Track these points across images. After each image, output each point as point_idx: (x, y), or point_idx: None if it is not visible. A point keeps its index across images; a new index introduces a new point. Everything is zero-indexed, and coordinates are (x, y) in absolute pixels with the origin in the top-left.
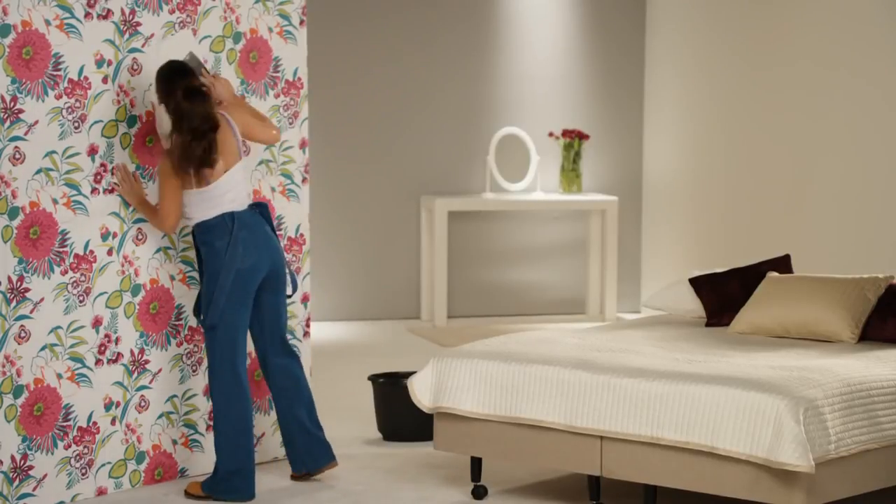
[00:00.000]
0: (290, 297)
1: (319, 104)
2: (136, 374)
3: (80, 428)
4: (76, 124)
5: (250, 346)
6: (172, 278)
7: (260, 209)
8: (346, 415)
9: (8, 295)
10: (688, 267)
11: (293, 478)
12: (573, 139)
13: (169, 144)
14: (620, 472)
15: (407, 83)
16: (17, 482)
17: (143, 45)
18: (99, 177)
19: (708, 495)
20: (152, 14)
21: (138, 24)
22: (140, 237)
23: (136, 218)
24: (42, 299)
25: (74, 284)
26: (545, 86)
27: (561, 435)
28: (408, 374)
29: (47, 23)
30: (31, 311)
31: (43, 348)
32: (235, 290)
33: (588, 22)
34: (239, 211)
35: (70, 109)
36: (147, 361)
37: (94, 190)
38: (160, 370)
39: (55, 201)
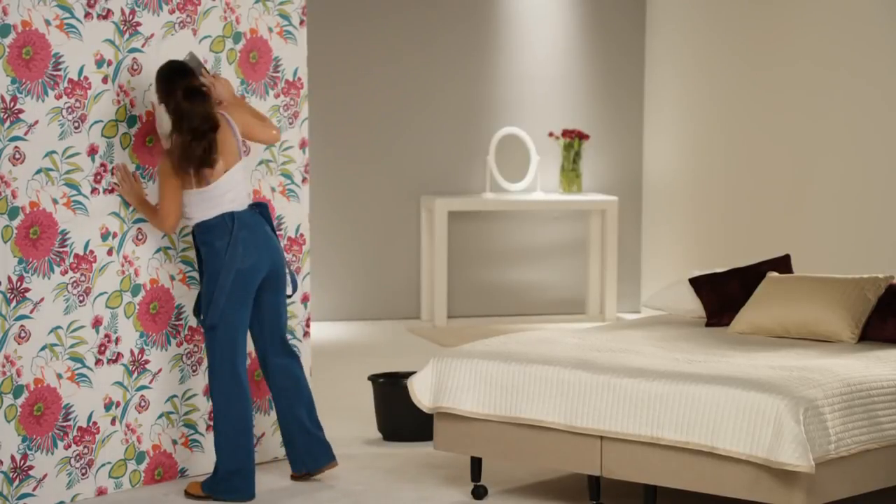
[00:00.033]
0: (290, 296)
1: (319, 104)
2: (136, 374)
3: (80, 428)
4: (76, 124)
5: (250, 346)
6: (172, 278)
7: (260, 209)
8: (346, 415)
9: (8, 295)
10: (688, 267)
11: (293, 478)
12: (573, 139)
13: (169, 144)
14: (620, 472)
15: (407, 83)
16: (17, 482)
17: (143, 45)
18: (99, 177)
19: (708, 495)
20: (152, 14)
21: (138, 24)
22: (140, 237)
23: (136, 218)
24: (42, 299)
25: (74, 284)
26: (545, 86)
27: (561, 435)
28: (408, 374)
29: (47, 23)
30: (31, 311)
31: (43, 348)
32: (235, 290)
33: (588, 22)
34: (239, 211)
35: (70, 109)
36: (147, 361)
37: (94, 190)
38: (160, 370)
39: (55, 201)
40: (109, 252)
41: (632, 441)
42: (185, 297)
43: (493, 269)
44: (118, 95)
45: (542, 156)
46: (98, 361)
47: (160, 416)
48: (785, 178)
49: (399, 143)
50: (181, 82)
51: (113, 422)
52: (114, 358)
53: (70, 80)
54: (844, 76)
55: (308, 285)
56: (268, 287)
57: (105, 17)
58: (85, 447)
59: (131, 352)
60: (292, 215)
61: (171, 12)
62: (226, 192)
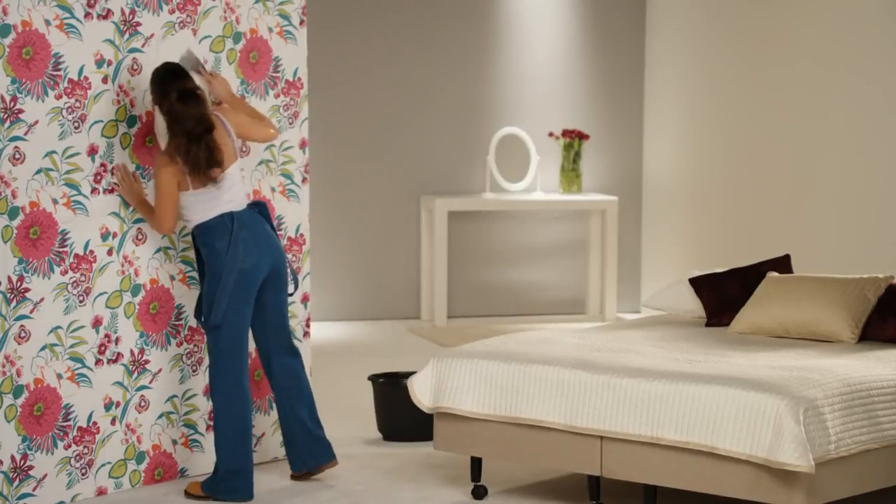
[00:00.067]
0: (290, 295)
1: (319, 104)
2: (136, 374)
3: (80, 428)
4: (76, 124)
5: (250, 347)
6: (172, 278)
7: (259, 208)
8: (346, 415)
9: (8, 295)
10: (688, 267)
11: (293, 477)
12: (573, 139)
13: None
14: (620, 472)
15: (407, 83)
16: (17, 482)
17: (143, 45)
18: (99, 177)
19: (708, 495)
20: (152, 14)
21: (138, 24)
22: (140, 237)
23: (135, 218)
24: (42, 299)
25: (74, 284)
26: (545, 86)
27: (561, 435)
28: (408, 374)
29: (47, 23)
30: (31, 311)
31: (43, 348)
32: (238, 290)
33: (588, 22)
34: (238, 211)
35: (70, 109)
36: (147, 361)
37: (94, 190)
38: (160, 370)
39: (55, 201)
40: (109, 252)
41: (632, 441)
42: (185, 297)
43: (493, 269)
44: (118, 95)
45: (542, 156)
46: (98, 361)
47: (160, 416)
48: (785, 178)
49: (399, 143)
50: (176, 84)
51: (113, 422)
52: (114, 358)
53: (70, 80)
54: (844, 76)
55: (308, 285)
56: (270, 286)
57: (105, 17)
58: (85, 447)
59: (131, 352)
60: (292, 215)
61: (171, 12)
62: (223, 193)
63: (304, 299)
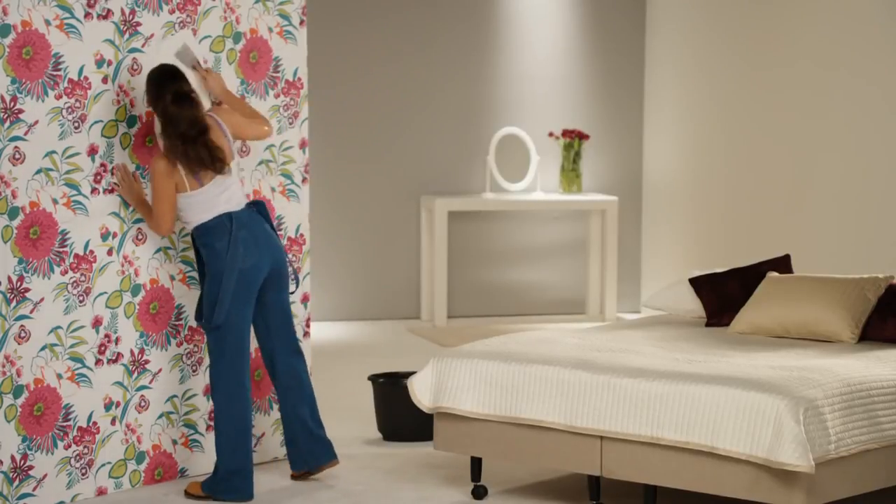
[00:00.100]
0: (291, 293)
1: (319, 104)
2: (136, 374)
3: (80, 428)
4: (76, 124)
5: (250, 346)
6: (172, 278)
7: (258, 207)
8: (346, 415)
9: (8, 295)
10: (688, 267)
11: (293, 477)
12: (573, 139)
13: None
14: (620, 472)
15: (407, 83)
16: (17, 482)
17: (143, 45)
18: (99, 177)
19: (708, 495)
20: (152, 14)
21: (138, 24)
22: (140, 237)
23: (135, 218)
24: (42, 299)
25: (74, 284)
26: (545, 86)
27: (561, 435)
28: (408, 374)
29: (47, 23)
30: (31, 311)
31: (43, 348)
32: (239, 290)
33: (588, 22)
34: (236, 211)
35: (70, 109)
36: (147, 361)
37: (94, 190)
38: (160, 370)
39: (55, 201)
40: (109, 252)
41: (632, 441)
42: (185, 297)
43: (493, 269)
44: (118, 95)
45: (542, 156)
46: (98, 361)
47: (160, 416)
48: (785, 178)
49: (399, 143)
50: (171, 86)
51: (113, 422)
52: (114, 358)
53: (70, 80)
54: (844, 76)
55: (308, 285)
56: (271, 285)
57: (105, 17)
58: (85, 447)
59: (131, 352)
60: (292, 215)
61: (171, 12)
62: (221, 193)
63: (304, 299)
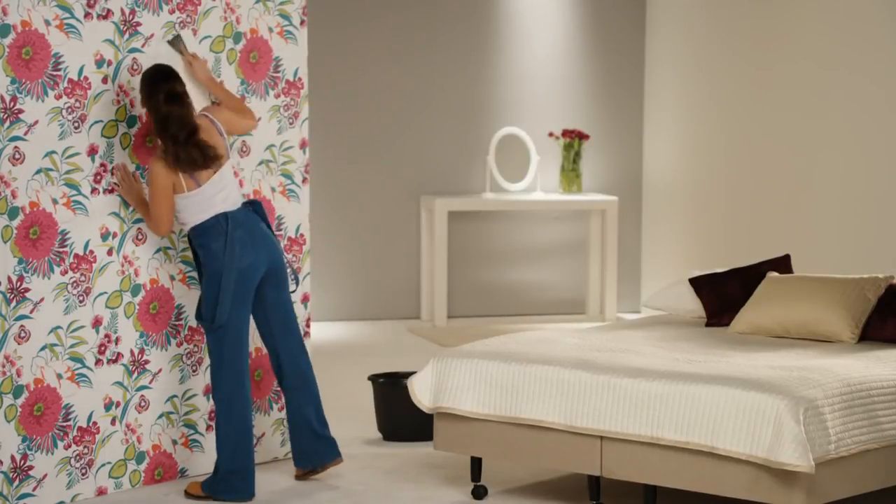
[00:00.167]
0: (292, 292)
1: (319, 104)
2: (136, 374)
3: (80, 428)
4: (76, 124)
5: (250, 346)
6: (172, 278)
7: (254, 206)
8: (346, 415)
9: (8, 295)
10: (688, 267)
11: (298, 475)
12: (573, 139)
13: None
14: (620, 472)
15: (407, 83)
16: (17, 482)
17: (143, 45)
18: (99, 177)
19: (708, 495)
20: (152, 14)
21: (138, 24)
22: (140, 237)
23: (135, 218)
24: (42, 299)
25: (74, 284)
26: (545, 86)
27: (561, 435)
28: (408, 374)
29: (47, 23)
30: (31, 311)
31: (43, 348)
32: (237, 290)
33: (588, 22)
34: (232, 211)
35: (70, 109)
36: (147, 361)
37: (94, 190)
38: (160, 370)
39: (55, 201)
40: (109, 252)
41: (632, 441)
42: (185, 297)
43: (493, 269)
44: (118, 95)
45: (542, 156)
46: (98, 361)
47: (160, 416)
48: (785, 178)
49: (399, 143)
50: (164, 86)
51: (113, 422)
52: (114, 358)
53: (70, 80)
54: (844, 76)
55: (308, 285)
56: (269, 284)
57: (105, 17)
58: (85, 447)
59: (131, 352)
60: (292, 215)
61: (171, 12)
62: (217, 193)
63: (304, 299)
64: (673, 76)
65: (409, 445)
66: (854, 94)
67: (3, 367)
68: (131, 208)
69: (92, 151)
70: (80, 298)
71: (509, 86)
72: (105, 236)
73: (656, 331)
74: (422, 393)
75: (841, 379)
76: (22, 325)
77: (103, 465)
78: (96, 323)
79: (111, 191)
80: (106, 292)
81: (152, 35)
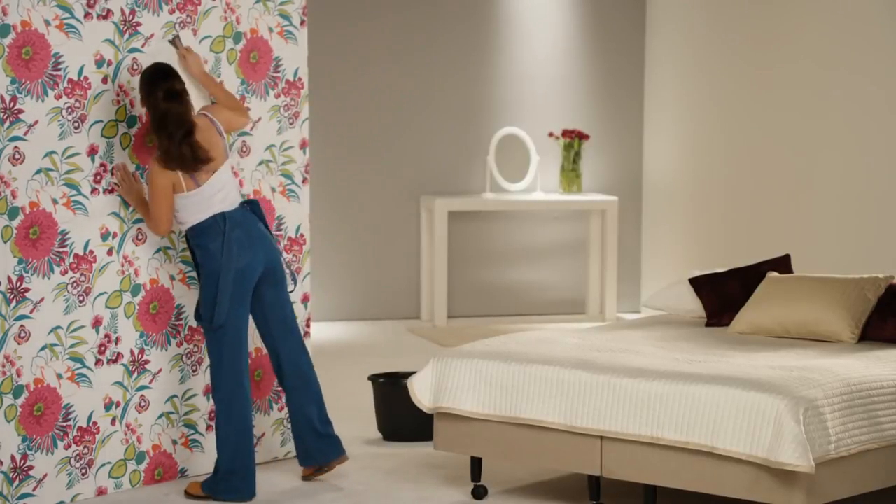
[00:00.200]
0: (291, 292)
1: (319, 104)
2: (136, 374)
3: (80, 428)
4: (76, 124)
5: (251, 346)
6: (172, 278)
7: (251, 206)
8: (346, 415)
9: (8, 295)
10: (688, 267)
11: (304, 475)
12: (573, 139)
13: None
14: (620, 472)
15: (407, 83)
16: (17, 482)
17: (143, 45)
18: (99, 177)
19: (708, 495)
20: (152, 14)
21: (138, 24)
22: (140, 237)
23: (135, 218)
24: (42, 299)
25: (74, 284)
26: (545, 86)
27: (561, 435)
28: (408, 374)
29: (47, 23)
30: (31, 311)
31: (43, 348)
32: (235, 290)
33: (588, 22)
34: (230, 210)
35: (70, 109)
36: (147, 361)
37: (94, 190)
38: (160, 370)
39: (55, 201)
40: (109, 252)
41: (632, 441)
42: (185, 297)
43: (493, 269)
44: (118, 95)
45: (542, 156)
46: (98, 361)
47: (160, 416)
48: (785, 178)
49: (399, 143)
50: (163, 84)
51: (113, 422)
52: (114, 358)
53: (70, 80)
54: (844, 75)
55: (308, 285)
56: (267, 283)
57: (105, 17)
58: (85, 447)
59: (131, 352)
60: (292, 215)
61: (171, 12)
62: (216, 193)
63: (304, 299)
64: (673, 76)
65: (409, 445)
66: (854, 94)
67: (3, 367)
68: (131, 208)
69: (92, 151)
70: (80, 298)
71: (509, 86)
72: (105, 236)
73: (656, 331)
74: (422, 393)
75: (841, 379)
76: (22, 325)
77: (103, 465)
78: (96, 323)
79: (111, 191)
80: (106, 292)
81: (152, 35)
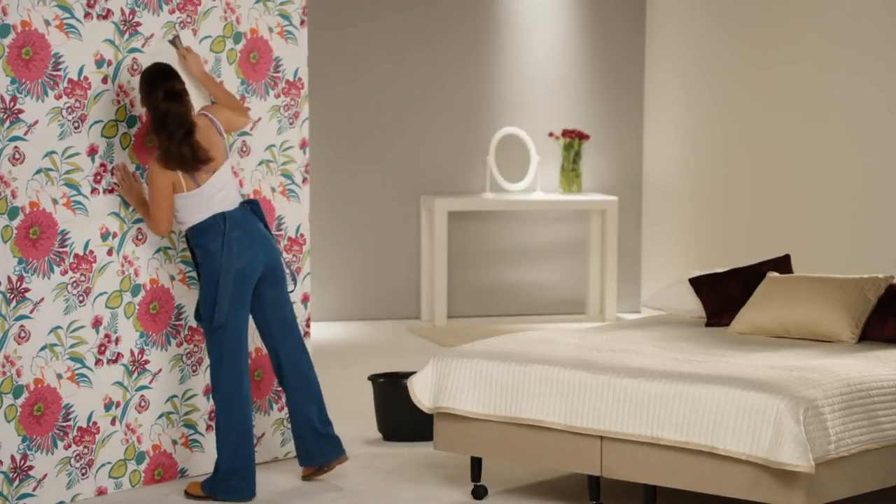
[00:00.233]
0: (291, 292)
1: (319, 104)
2: (136, 374)
3: (80, 428)
4: (76, 124)
5: (251, 346)
6: (172, 278)
7: (251, 206)
8: (346, 415)
9: (8, 295)
10: (688, 267)
11: (304, 475)
12: (573, 139)
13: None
14: (620, 472)
15: (407, 83)
16: (17, 482)
17: (143, 45)
18: (99, 177)
19: (708, 495)
20: (152, 14)
21: (138, 24)
22: (140, 237)
23: (135, 218)
24: (42, 299)
25: (74, 284)
26: (545, 86)
27: (561, 435)
28: (408, 374)
29: (47, 23)
30: (31, 311)
31: (43, 348)
32: (235, 290)
33: (588, 22)
34: (230, 210)
35: (70, 109)
36: (147, 361)
37: (94, 190)
38: (160, 370)
39: (55, 201)
40: (109, 252)
41: (632, 441)
42: (185, 297)
43: (493, 269)
44: (118, 95)
45: (542, 156)
46: (98, 361)
47: (160, 417)
48: (785, 178)
49: (399, 143)
50: (163, 84)
51: (113, 422)
52: (114, 358)
53: (70, 80)
54: (844, 75)
55: (308, 285)
56: (267, 283)
57: (105, 17)
58: (85, 447)
59: (131, 352)
60: (292, 215)
61: (171, 12)
62: (216, 193)
63: (304, 299)
64: (673, 76)
65: (409, 445)
66: (854, 94)
67: (3, 367)
68: (131, 208)
69: (92, 151)
70: (80, 298)
71: (509, 86)
72: (105, 236)
73: (656, 331)
74: (422, 393)
75: (841, 379)
76: (22, 325)
77: (103, 465)
78: (96, 323)
79: (111, 191)
80: (106, 292)
81: (152, 35)
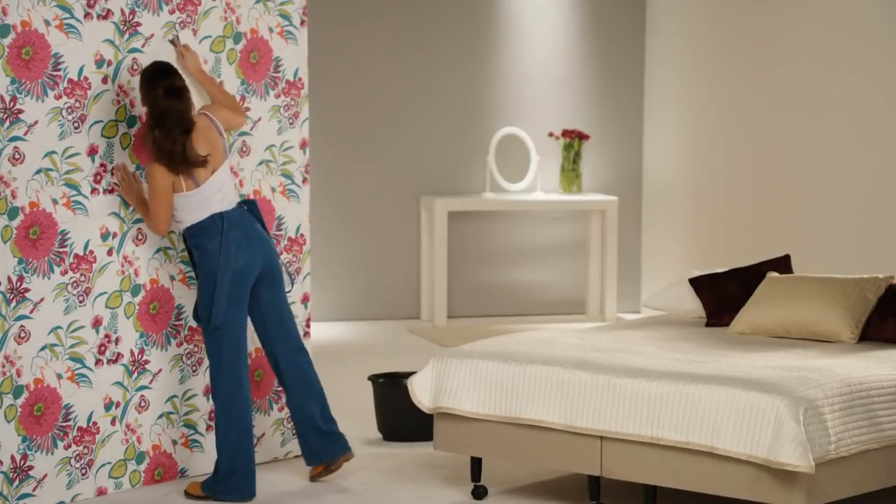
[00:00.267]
0: (288, 292)
1: (319, 104)
2: (136, 375)
3: (80, 428)
4: (76, 124)
5: (251, 346)
6: (172, 278)
7: (249, 206)
8: (346, 415)
9: (8, 295)
10: (688, 267)
11: (312, 475)
12: (573, 139)
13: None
14: (620, 472)
15: (407, 83)
16: (17, 482)
17: (143, 46)
18: (99, 177)
19: (708, 495)
20: (152, 14)
21: (138, 24)
22: (140, 237)
23: (135, 218)
24: (42, 299)
25: (74, 284)
26: (545, 86)
27: (561, 435)
28: (408, 374)
29: (47, 23)
30: (31, 311)
31: (43, 348)
32: (233, 290)
33: (588, 22)
34: (228, 210)
35: (70, 109)
36: (147, 361)
37: (93, 190)
38: (160, 370)
39: (55, 201)
40: (109, 252)
41: (632, 441)
42: (185, 297)
43: (493, 269)
44: (118, 95)
45: (542, 156)
46: (98, 361)
47: (160, 417)
48: (785, 178)
49: (399, 143)
50: (163, 82)
51: (113, 422)
52: (114, 358)
53: (70, 81)
54: (844, 75)
55: (308, 285)
56: (264, 283)
57: (105, 18)
58: (85, 447)
59: (131, 352)
60: (292, 215)
61: (171, 12)
62: (214, 193)
63: (304, 299)
64: (673, 76)
65: (409, 445)
66: (854, 94)
67: (3, 367)
68: (131, 208)
69: (92, 151)
70: (80, 298)
71: (509, 86)
72: (105, 236)
73: (656, 331)
74: (422, 393)
75: (841, 379)
76: (22, 325)
77: (103, 465)
78: (96, 323)
79: (111, 191)
80: (106, 292)
81: (152, 35)
